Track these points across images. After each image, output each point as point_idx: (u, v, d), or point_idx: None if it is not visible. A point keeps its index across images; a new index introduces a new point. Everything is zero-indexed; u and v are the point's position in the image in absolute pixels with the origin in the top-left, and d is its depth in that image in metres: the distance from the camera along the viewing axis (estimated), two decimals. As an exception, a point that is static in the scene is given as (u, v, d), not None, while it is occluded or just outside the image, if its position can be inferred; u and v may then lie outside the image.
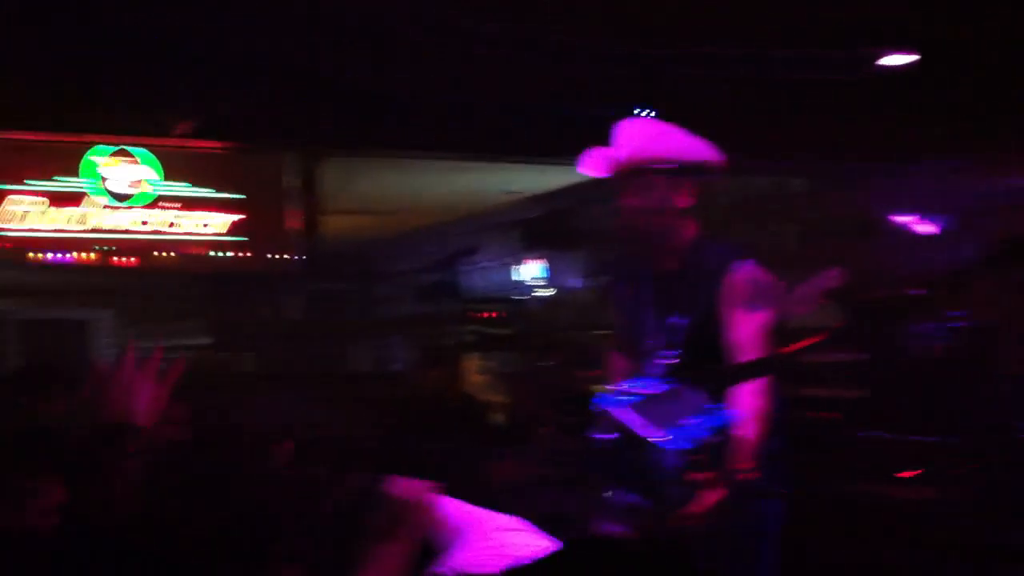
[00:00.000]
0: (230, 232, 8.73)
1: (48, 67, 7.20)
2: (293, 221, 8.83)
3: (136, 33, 7.06)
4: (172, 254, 8.57)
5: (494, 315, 10.68)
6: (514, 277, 11.59)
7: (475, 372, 6.52)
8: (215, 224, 8.67)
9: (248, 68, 7.48)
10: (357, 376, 8.64)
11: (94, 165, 8.26)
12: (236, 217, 8.73)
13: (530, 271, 11.48)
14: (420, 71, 7.50)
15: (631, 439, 2.94)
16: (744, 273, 3.19)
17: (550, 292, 11.23)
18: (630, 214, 3.26)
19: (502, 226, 11.12)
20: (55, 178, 8.18)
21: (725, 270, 3.20)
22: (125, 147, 8.35)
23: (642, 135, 3.32)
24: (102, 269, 8.59)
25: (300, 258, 8.79)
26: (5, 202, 8.04)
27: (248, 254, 8.78)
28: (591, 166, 3.41)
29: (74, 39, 6.93)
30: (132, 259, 8.47)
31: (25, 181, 8.10)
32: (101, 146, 8.26)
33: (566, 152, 8.68)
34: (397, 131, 8.11)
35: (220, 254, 8.72)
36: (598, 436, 3.05)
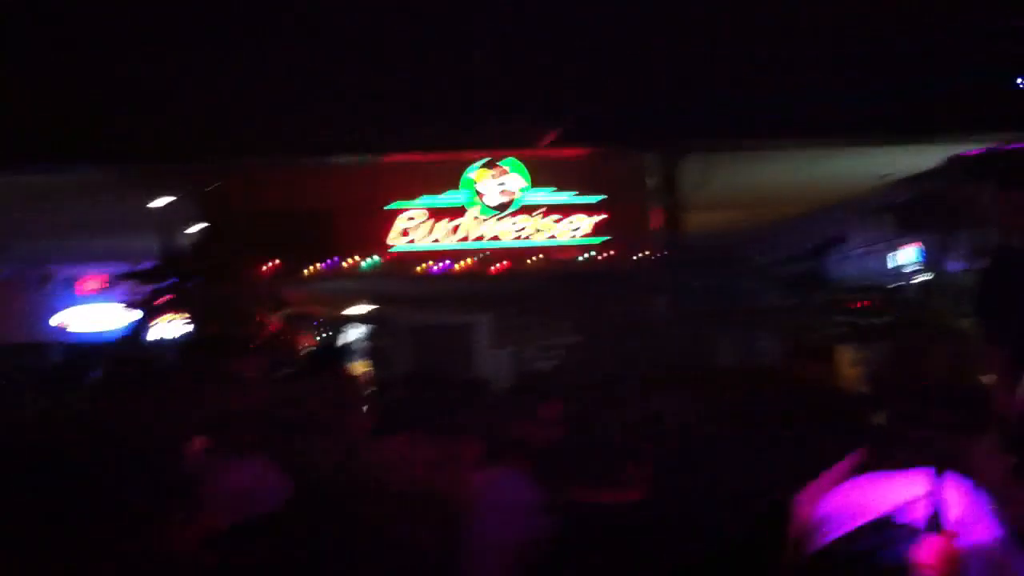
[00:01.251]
0: (594, 233, 8.98)
1: (426, 91, 7.76)
2: (655, 219, 8.93)
3: (496, 49, 7.45)
4: (541, 257, 8.96)
5: (868, 304, 10.20)
6: (887, 264, 11.02)
7: (849, 365, 6.26)
8: (580, 227, 8.96)
9: (606, 72, 7.66)
10: (726, 371, 8.57)
11: (472, 181, 8.83)
12: (599, 218, 8.98)
13: (905, 256, 10.88)
14: (775, 61, 7.35)
15: None
16: None
17: (927, 277, 10.57)
18: None
19: (872, 211, 10.61)
20: (444, 194, 8.84)
21: None
22: (496, 160, 8.84)
23: None
24: (479, 276, 9.14)
25: (663, 255, 8.87)
26: (397, 220, 8.79)
27: (613, 253, 9.00)
28: None
29: (438, 65, 7.43)
30: (506, 265, 8.95)
31: (415, 199, 8.82)
32: (479, 161, 8.81)
33: (939, 130, 8.16)
34: (761, 121, 7.98)
35: (586, 255, 9.00)
36: None
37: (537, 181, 8.94)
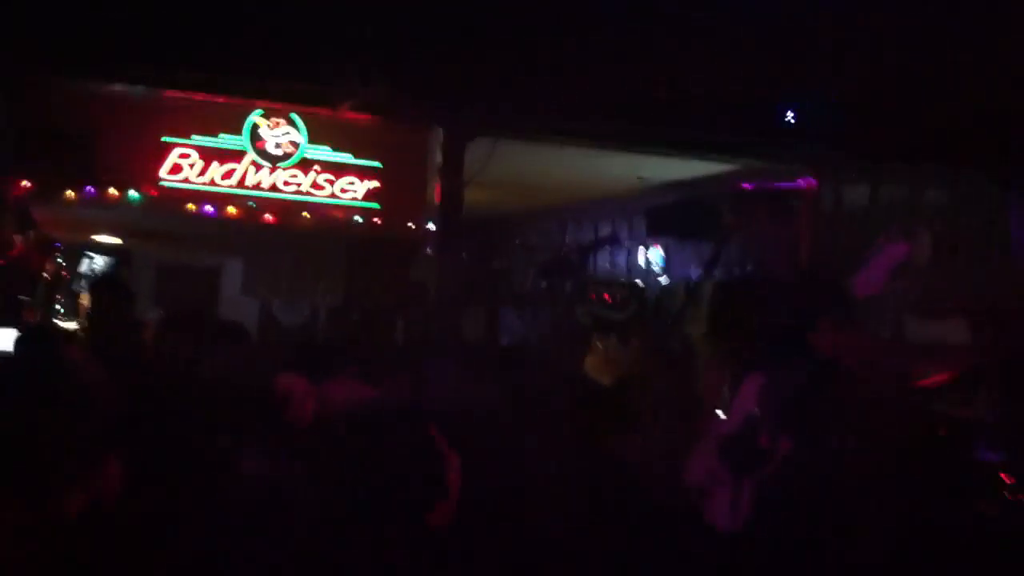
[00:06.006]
0: (367, 198, 9.03)
1: (218, 32, 7.50)
2: (430, 193, 9.05)
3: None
4: (309, 215, 8.91)
5: (610, 298, 10.75)
6: (638, 262, 11.73)
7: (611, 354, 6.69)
8: (354, 189, 8.99)
9: (405, 46, 7.71)
10: (481, 348, 8.88)
11: (254, 126, 8.66)
12: (373, 184, 9.03)
13: (651, 257, 11.61)
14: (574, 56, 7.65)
15: None
16: None
17: (667, 281, 11.32)
18: None
19: (634, 211, 11.26)
20: (220, 136, 8.61)
21: None
22: (278, 110, 8.71)
23: None
24: (243, 224, 8.95)
25: (434, 228, 9.00)
26: (170, 155, 8.50)
27: (383, 221, 9.08)
28: None
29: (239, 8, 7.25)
30: (275, 217, 8.84)
31: (192, 137, 8.55)
32: (261, 109, 8.64)
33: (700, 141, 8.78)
34: (545, 115, 8.28)
35: (357, 219, 9.03)
36: None
37: (316, 138, 8.91)
